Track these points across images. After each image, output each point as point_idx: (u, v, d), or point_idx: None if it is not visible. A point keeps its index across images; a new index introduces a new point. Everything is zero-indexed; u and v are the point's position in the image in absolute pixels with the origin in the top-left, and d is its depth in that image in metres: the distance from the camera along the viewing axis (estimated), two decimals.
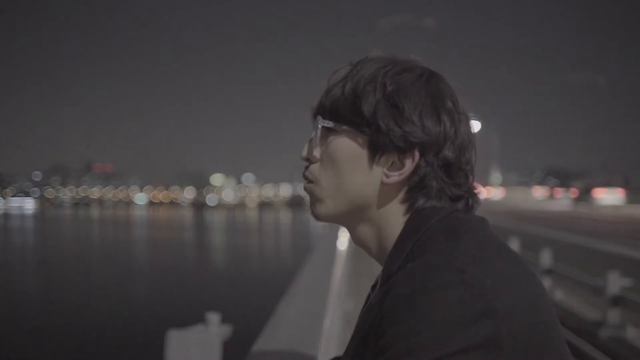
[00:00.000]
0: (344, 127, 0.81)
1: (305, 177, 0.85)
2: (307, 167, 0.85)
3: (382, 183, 0.80)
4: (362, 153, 0.80)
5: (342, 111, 0.81)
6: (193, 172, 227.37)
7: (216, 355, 5.54)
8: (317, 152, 0.84)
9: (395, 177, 0.79)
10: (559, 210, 38.35)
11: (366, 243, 0.85)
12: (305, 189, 0.86)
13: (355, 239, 0.86)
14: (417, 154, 0.77)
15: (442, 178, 0.79)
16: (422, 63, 0.84)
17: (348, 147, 0.81)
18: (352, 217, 0.84)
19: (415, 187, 0.79)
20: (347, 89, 0.81)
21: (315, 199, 0.85)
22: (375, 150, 0.79)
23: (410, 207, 0.80)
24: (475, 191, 0.83)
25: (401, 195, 0.80)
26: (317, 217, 0.86)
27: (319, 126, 0.83)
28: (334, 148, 0.82)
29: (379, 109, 0.78)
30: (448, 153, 0.78)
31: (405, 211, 0.81)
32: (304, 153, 0.86)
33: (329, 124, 0.82)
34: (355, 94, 0.80)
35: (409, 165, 0.78)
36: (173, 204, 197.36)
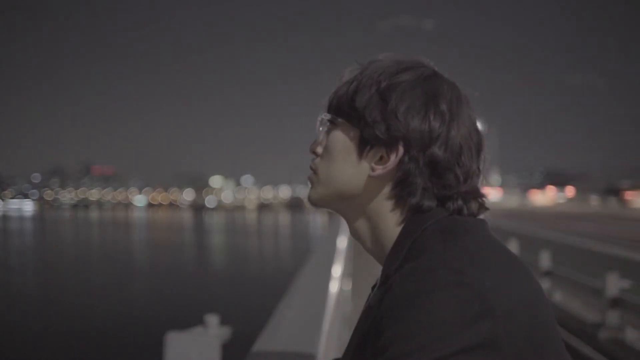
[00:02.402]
0: (340, 120, 0.85)
1: (311, 168, 0.90)
2: (313, 160, 0.90)
3: (369, 176, 0.82)
4: (353, 146, 0.83)
5: (342, 106, 0.85)
6: (192, 173, 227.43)
7: (215, 357, 5.55)
8: (321, 146, 0.88)
9: (380, 170, 0.81)
10: None
11: (361, 237, 0.87)
12: (308, 177, 0.90)
13: (352, 231, 0.89)
14: (401, 149, 0.79)
15: (428, 177, 0.79)
16: (430, 64, 0.85)
17: (342, 139, 0.84)
18: (345, 207, 0.87)
19: (400, 183, 0.80)
20: (352, 87, 0.84)
21: (311, 186, 0.89)
22: (365, 143, 0.82)
23: (397, 204, 0.82)
24: (474, 195, 0.82)
25: (387, 190, 0.82)
26: (311, 202, 0.90)
27: (320, 119, 0.88)
28: (331, 140, 0.86)
29: (370, 103, 0.81)
30: (437, 152, 0.78)
31: (392, 207, 0.82)
32: (311, 146, 0.90)
33: (327, 116, 0.87)
34: (355, 90, 0.83)
35: (393, 159, 0.80)
36: (172, 205, 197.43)
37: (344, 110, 0.84)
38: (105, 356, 11.73)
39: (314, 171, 0.88)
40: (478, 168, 0.83)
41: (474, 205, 0.82)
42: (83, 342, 12.57)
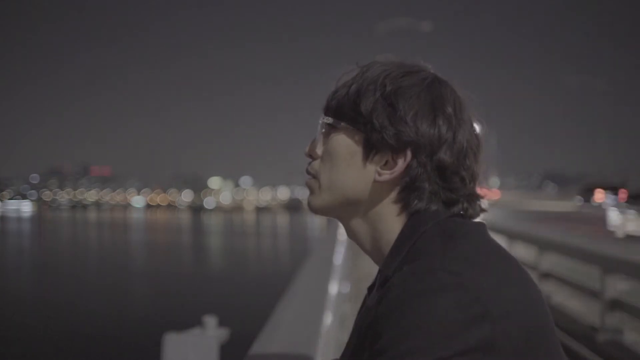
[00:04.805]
0: (343, 124, 0.83)
1: (308, 172, 0.88)
2: (310, 163, 0.88)
3: (374, 181, 0.81)
4: (358, 150, 0.82)
5: (343, 109, 0.83)
6: (190, 175, 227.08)
7: (213, 359, 5.53)
8: (319, 149, 0.86)
9: (387, 175, 0.80)
10: None
11: (359, 239, 0.86)
12: (306, 183, 0.88)
13: (349, 233, 0.88)
14: (409, 154, 0.78)
15: (436, 181, 0.79)
16: (430, 68, 0.85)
17: (345, 144, 0.83)
18: (346, 211, 0.85)
19: (406, 188, 0.80)
20: (352, 89, 0.83)
21: (312, 192, 0.87)
22: (370, 148, 0.81)
23: (403, 208, 0.81)
24: (476, 197, 0.83)
25: (394, 195, 0.81)
26: (313, 210, 0.88)
27: (320, 122, 0.86)
28: (332, 144, 0.84)
29: (376, 107, 0.80)
30: (444, 156, 0.78)
31: (398, 212, 0.81)
32: (307, 149, 0.88)
33: (329, 120, 0.85)
34: (357, 93, 0.82)
35: (400, 164, 0.79)
36: (170, 207, 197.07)
37: (346, 113, 0.82)
38: (103, 357, 11.71)
39: (314, 176, 0.86)
40: (478, 169, 0.83)
41: (477, 207, 0.82)
42: (81, 343, 12.55)
